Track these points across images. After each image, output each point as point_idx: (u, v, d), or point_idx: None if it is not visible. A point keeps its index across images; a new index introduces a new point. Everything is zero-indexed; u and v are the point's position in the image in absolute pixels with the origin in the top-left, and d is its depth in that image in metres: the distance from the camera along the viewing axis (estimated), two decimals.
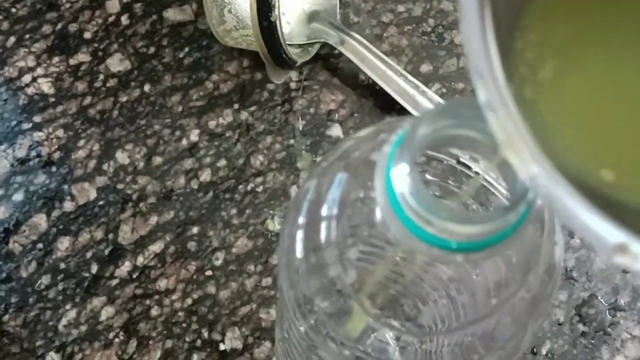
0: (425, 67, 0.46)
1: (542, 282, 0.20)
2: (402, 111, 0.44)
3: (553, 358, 0.40)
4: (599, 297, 0.42)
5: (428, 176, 0.24)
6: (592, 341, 0.41)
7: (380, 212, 0.19)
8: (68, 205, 0.42)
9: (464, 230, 0.17)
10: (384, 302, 0.22)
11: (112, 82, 0.45)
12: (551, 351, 0.40)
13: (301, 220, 0.23)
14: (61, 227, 0.42)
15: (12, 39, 0.46)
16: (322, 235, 0.22)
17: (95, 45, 0.46)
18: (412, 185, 0.17)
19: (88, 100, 0.45)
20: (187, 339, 0.40)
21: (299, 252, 0.23)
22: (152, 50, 0.46)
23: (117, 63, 0.46)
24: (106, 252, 0.41)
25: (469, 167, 0.22)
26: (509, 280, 0.20)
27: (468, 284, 0.20)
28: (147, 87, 0.45)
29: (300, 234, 0.23)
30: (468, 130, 0.18)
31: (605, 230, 0.14)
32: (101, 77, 0.45)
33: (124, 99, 0.45)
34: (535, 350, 0.40)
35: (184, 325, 0.40)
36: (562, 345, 0.41)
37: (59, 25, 0.47)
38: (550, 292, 0.21)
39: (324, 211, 0.22)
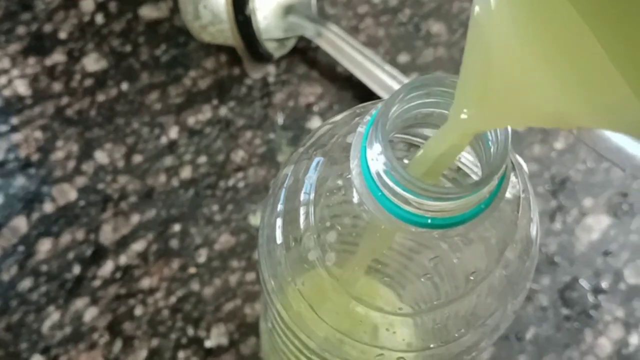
0: (403, 58, 0.46)
1: (519, 259, 0.21)
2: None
3: (537, 342, 0.41)
4: (581, 281, 0.42)
5: (406, 161, 0.24)
6: (576, 324, 0.41)
7: (357, 193, 0.19)
8: (48, 207, 0.42)
9: (439, 206, 0.17)
10: (364, 284, 0.22)
11: (89, 82, 0.45)
12: (535, 336, 0.41)
13: (279, 207, 0.23)
14: (42, 229, 0.42)
15: None
16: (301, 221, 0.22)
17: (71, 45, 0.46)
18: (387, 163, 0.17)
19: (65, 100, 0.45)
20: (173, 337, 0.40)
21: (278, 239, 0.23)
22: (128, 48, 0.46)
23: (93, 62, 0.46)
24: (88, 252, 0.41)
25: None
26: (486, 257, 0.20)
27: (447, 263, 0.21)
28: (124, 86, 0.45)
29: (279, 222, 0.23)
30: (441, 108, 0.18)
31: (636, 149, 0.14)
32: (78, 77, 0.45)
33: (101, 98, 0.45)
34: (519, 335, 0.41)
35: (169, 323, 0.40)
36: (546, 330, 0.41)
37: (34, 26, 0.46)
38: (528, 269, 0.21)
39: (302, 196, 0.22)
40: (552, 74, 0.15)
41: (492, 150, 0.17)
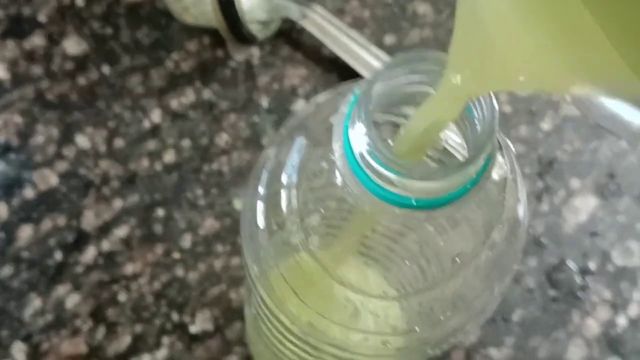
0: (389, 39, 0.46)
1: (506, 240, 0.20)
2: None
3: (524, 324, 0.40)
4: (569, 262, 0.42)
5: (390, 142, 0.24)
6: (563, 306, 0.41)
7: (340, 175, 0.19)
8: (29, 193, 0.41)
9: (424, 186, 0.17)
10: (348, 267, 0.21)
11: (69, 65, 0.44)
12: (522, 317, 0.41)
13: (261, 190, 0.23)
14: (22, 215, 0.41)
15: None
16: (284, 204, 0.21)
17: (51, 28, 0.45)
18: (371, 144, 0.17)
19: (45, 84, 0.44)
20: (157, 323, 0.39)
21: (261, 223, 0.23)
22: (109, 31, 0.45)
23: (73, 45, 0.45)
24: (70, 238, 0.41)
25: None
26: (473, 239, 0.20)
27: (432, 245, 0.20)
28: (105, 69, 0.44)
29: (261, 205, 0.23)
30: (426, 86, 0.18)
31: (632, 116, 0.14)
32: (58, 60, 0.44)
33: (82, 81, 0.44)
34: (505, 317, 0.41)
35: (153, 309, 0.40)
36: (533, 311, 0.41)
37: (12, 9, 0.45)
38: (515, 251, 0.21)
39: (284, 179, 0.21)
40: (540, 32, 0.14)
41: (478, 129, 0.17)
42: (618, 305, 0.41)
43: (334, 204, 0.21)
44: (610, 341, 0.40)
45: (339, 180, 0.19)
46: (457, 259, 0.20)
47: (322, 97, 0.23)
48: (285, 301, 0.22)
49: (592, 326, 0.41)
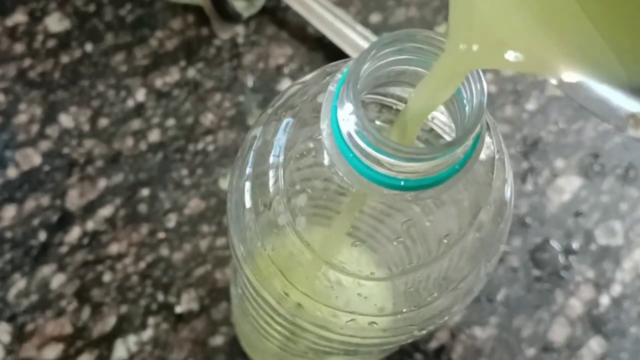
0: (375, 18, 0.46)
1: (493, 221, 0.20)
2: None
3: (508, 304, 0.41)
4: (552, 242, 0.42)
5: (377, 122, 0.24)
6: (547, 285, 0.41)
7: (327, 155, 0.19)
8: (12, 172, 0.41)
9: (412, 167, 0.17)
10: (335, 248, 0.21)
11: (52, 43, 0.44)
12: (506, 297, 0.41)
13: (248, 170, 0.22)
14: (6, 195, 0.41)
15: None
16: (270, 184, 0.21)
17: (33, 4, 0.44)
18: (359, 123, 0.17)
19: (27, 62, 0.43)
20: (142, 303, 0.39)
21: (247, 203, 0.22)
22: (92, 8, 0.45)
23: (56, 23, 0.44)
24: (54, 218, 0.40)
25: None
26: (460, 220, 0.20)
27: (419, 226, 0.20)
28: (89, 47, 0.44)
29: (247, 185, 0.22)
30: (414, 65, 0.18)
31: (619, 100, 0.14)
32: (40, 37, 0.44)
33: (65, 60, 0.43)
34: (490, 297, 0.41)
35: (138, 289, 0.39)
36: (517, 291, 0.41)
37: None
38: (502, 232, 0.21)
39: (271, 159, 0.21)
40: (524, 9, 0.14)
41: (467, 109, 0.17)
42: (601, 284, 0.41)
43: (321, 185, 0.21)
44: (593, 320, 0.41)
45: (326, 160, 0.19)
46: (444, 240, 0.20)
47: (308, 76, 0.23)
48: (271, 282, 0.22)
49: (576, 306, 0.41)
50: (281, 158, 0.21)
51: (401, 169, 0.17)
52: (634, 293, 0.41)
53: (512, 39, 0.15)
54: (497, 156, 0.20)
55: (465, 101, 0.17)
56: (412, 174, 0.17)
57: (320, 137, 0.19)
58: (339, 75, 0.18)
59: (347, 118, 0.17)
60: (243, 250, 0.23)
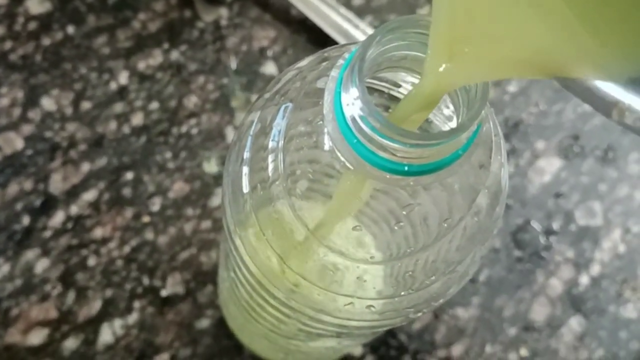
0: (357, 0, 0.46)
1: (489, 205, 0.21)
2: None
3: (490, 284, 0.41)
4: (533, 223, 0.43)
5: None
6: (528, 266, 0.42)
7: (328, 140, 0.19)
8: None
9: (417, 152, 0.17)
10: (335, 232, 0.21)
11: (33, 25, 0.43)
12: (488, 277, 0.41)
13: (246, 154, 0.22)
14: None
15: None
16: (269, 169, 0.21)
17: None
18: (364, 108, 0.17)
19: (8, 45, 0.42)
20: (127, 287, 0.39)
21: (245, 187, 0.22)
22: None
23: (37, 4, 0.43)
24: (37, 203, 0.40)
25: None
26: (459, 204, 0.20)
27: (420, 210, 0.20)
28: (70, 29, 0.43)
29: (245, 169, 0.22)
30: (415, 50, 0.18)
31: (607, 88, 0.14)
32: (21, 20, 0.43)
33: (46, 42, 0.43)
34: (472, 277, 0.41)
35: (123, 273, 0.39)
36: (498, 272, 0.42)
37: None
38: (497, 215, 0.21)
39: (270, 144, 0.21)
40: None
41: (471, 93, 0.17)
42: (580, 264, 0.42)
43: (320, 169, 0.21)
44: (573, 299, 0.42)
45: (326, 145, 0.19)
46: (444, 223, 0.20)
47: (304, 62, 0.23)
48: (269, 266, 0.22)
49: (556, 285, 0.42)
50: (280, 143, 0.21)
51: (405, 154, 0.17)
52: (613, 272, 0.42)
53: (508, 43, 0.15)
54: (494, 138, 0.20)
55: (467, 86, 0.17)
56: (416, 159, 0.17)
57: (320, 122, 0.19)
58: (341, 61, 0.18)
59: (352, 103, 0.17)
60: (240, 234, 0.23)
